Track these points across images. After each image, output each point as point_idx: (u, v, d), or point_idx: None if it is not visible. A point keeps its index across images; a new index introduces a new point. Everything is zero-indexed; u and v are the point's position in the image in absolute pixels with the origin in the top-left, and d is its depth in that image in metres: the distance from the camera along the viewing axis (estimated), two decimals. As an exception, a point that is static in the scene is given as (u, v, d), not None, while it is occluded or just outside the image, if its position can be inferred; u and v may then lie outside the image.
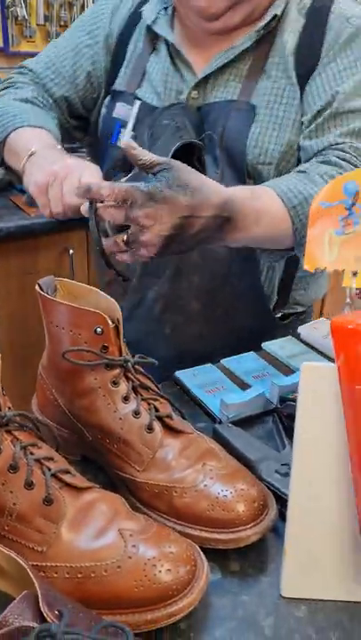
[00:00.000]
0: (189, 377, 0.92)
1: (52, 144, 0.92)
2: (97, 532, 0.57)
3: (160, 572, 0.54)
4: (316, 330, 1.03)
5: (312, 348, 1.02)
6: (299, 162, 0.97)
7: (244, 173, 0.97)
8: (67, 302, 0.69)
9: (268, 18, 0.95)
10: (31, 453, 0.59)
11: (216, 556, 0.62)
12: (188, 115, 0.96)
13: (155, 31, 1.01)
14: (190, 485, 0.64)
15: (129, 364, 0.69)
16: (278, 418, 0.83)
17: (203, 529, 0.62)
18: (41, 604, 0.44)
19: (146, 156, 0.74)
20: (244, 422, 0.82)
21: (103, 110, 1.06)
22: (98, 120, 1.09)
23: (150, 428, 0.67)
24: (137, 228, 0.74)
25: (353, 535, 0.57)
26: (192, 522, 0.63)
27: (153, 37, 1.03)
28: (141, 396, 0.69)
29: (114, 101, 1.03)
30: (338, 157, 0.90)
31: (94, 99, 1.09)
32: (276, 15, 0.95)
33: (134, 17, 1.05)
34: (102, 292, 0.71)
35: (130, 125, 0.98)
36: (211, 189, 0.75)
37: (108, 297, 0.70)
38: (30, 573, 0.47)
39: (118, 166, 0.95)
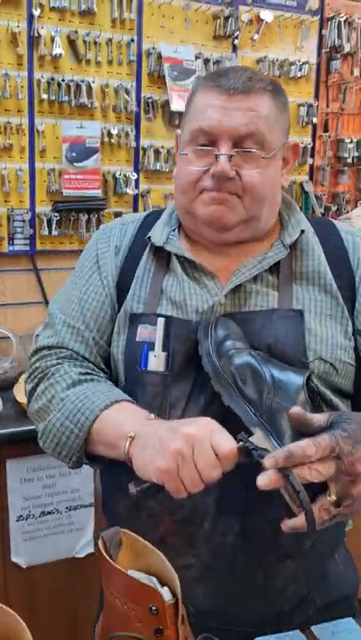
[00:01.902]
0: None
1: (142, 416, 0.87)
2: None
3: None
4: None
5: None
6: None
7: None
8: (126, 566, 0.64)
9: (297, 233, 0.99)
10: None
11: None
12: (232, 324, 0.94)
13: (167, 251, 1.00)
14: None
15: (185, 654, 0.60)
16: None
17: None
18: None
19: (320, 418, 0.76)
20: None
21: (121, 339, 1.00)
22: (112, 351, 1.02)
23: None
24: (344, 481, 0.72)
25: None
26: None
27: (164, 258, 1.01)
28: None
29: (134, 325, 0.98)
30: None
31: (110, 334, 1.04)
32: (303, 230, 0.99)
33: (139, 243, 1.04)
34: (163, 557, 0.65)
35: (158, 344, 0.94)
36: None
37: (170, 566, 0.64)
38: None
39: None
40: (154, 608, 0.61)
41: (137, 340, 0.96)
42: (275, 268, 0.98)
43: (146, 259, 1.03)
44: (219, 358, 0.87)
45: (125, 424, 0.86)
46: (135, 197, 2.24)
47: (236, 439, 0.78)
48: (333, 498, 0.71)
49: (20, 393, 1.79)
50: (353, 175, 2.56)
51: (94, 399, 0.91)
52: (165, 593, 0.62)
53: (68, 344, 1.01)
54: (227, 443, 0.77)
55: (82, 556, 1.81)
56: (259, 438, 0.79)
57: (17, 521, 1.72)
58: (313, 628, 0.84)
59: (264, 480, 0.73)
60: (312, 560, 0.96)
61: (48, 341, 1.03)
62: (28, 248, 2.12)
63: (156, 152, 2.22)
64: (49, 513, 1.75)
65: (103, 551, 0.66)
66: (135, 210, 2.26)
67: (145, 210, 2.24)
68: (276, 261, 0.98)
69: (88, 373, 0.98)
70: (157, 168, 2.22)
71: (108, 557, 0.65)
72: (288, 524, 0.76)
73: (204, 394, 0.91)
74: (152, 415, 0.87)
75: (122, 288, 1.02)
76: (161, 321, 0.94)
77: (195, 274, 0.99)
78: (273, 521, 0.89)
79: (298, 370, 0.88)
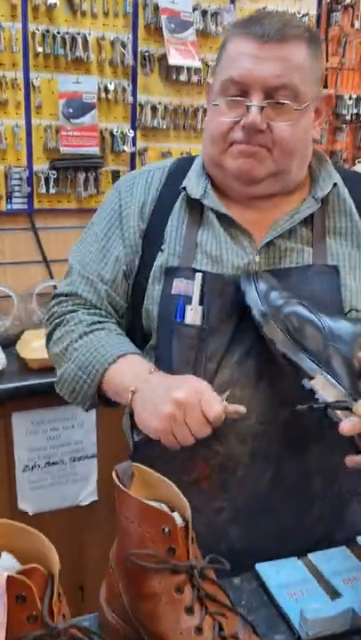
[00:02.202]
0: (271, 574, 0.85)
1: (145, 370, 0.92)
2: None
3: None
4: None
5: None
6: None
7: None
8: (139, 495, 0.68)
9: (329, 187, 0.99)
10: (78, 672, 0.56)
11: None
12: (271, 278, 0.95)
13: (200, 203, 1.00)
14: None
15: (195, 570, 0.65)
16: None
17: None
18: None
19: None
20: (328, 641, 0.73)
21: (155, 289, 1.01)
22: (137, 301, 1.04)
23: (212, 650, 0.61)
24: None
25: None
26: None
27: (197, 210, 1.01)
28: (207, 608, 0.64)
29: (170, 278, 0.99)
30: None
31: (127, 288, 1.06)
32: (335, 184, 0.99)
33: (168, 193, 1.03)
34: (175, 488, 0.70)
35: (195, 298, 0.95)
36: None
37: (181, 494, 0.69)
38: None
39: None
40: (166, 530, 0.65)
41: (172, 292, 0.98)
42: (308, 223, 0.99)
43: (178, 209, 1.02)
44: (268, 307, 0.89)
45: (128, 378, 0.91)
46: (132, 155, 2.23)
47: (301, 387, 0.85)
48: None
49: (23, 349, 1.82)
50: (351, 133, 2.55)
51: (104, 352, 0.95)
52: (176, 517, 0.67)
53: (82, 293, 1.05)
54: (215, 406, 0.83)
55: (85, 504, 1.88)
56: (321, 383, 0.83)
57: (23, 471, 1.77)
58: (309, 555, 0.89)
59: (349, 426, 0.79)
60: (337, 502, 1.01)
61: (65, 289, 1.08)
62: (25, 206, 2.12)
63: (153, 108, 2.20)
64: (54, 463, 1.81)
65: (117, 482, 0.71)
66: (133, 169, 2.25)
67: (142, 168, 2.24)
68: (308, 215, 0.98)
69: (100, 322, 1.02)
70: (155, 125, 2.21)
71: (122, 486, 0.70)
72: (354, 460, 0.82)
73: (240, 348, 0.94)
74: (153, 369, 0.91)
75: (151, 241, 1.02)
76: (199, 276, 0.95)
77: (230, 229, 0.99)
78: (304, 468, 0.96)
79: (349, 318, 0.92)
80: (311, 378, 0.84)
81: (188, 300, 0.96)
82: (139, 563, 0.65)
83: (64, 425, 1.80)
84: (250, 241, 0.98)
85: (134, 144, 2.21)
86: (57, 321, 1.06)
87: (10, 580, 0.55)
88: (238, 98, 0.92)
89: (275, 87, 0.90)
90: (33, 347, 1.79)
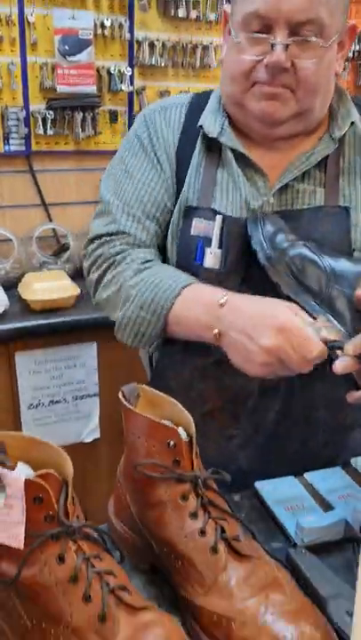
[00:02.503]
0: (269, 490, 0.90)
1: (215, 303, 0.88)
2: (148, 658, 0.56)
3: None
4: None
5: None
6: None
7: None
8: (144, 413, 0.72)
9: (346, 125, 0.97)
10: (92, 566, 0.60)
11: None
12: (278, 219, 0.96)
13: (220, 143, 0.98)
14: (250, 618, 0.62)
15: (199, 480, 0.69)
16: (360, 547, 0.78)
17: (259, 669, 0.59)
18: None
19: None
20: (322, 548, 0.78)
21: (177, 230, 1.01)
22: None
23: (215, 550, 0.66)
24: None
25: None
26: (249, 659, 0.60)
27: (216, 149, 1.00)
28: (210, 514, 0.69)
29: (189, 218, 0.98)
30: None
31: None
32: (353, 122, 0.98)
33: (190, 130, 1.02)
34: (180, 406, 0.73)
35: (215, 241, 0.95)
36: None
37: (186, 411, 0.72)
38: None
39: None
40: (172, 443, 0.69)
41: (191, 233, 0.97)
42: (322, 164, 0.98)
43: (199, 148, 1.00)
44: (273, 250, 0.90)
45: (200, 311, 0.89)
46: (130, 95, 2.20)
47: None
48: None
49: (25, 291, 1.85)
50: (353, 71, 2.50)
51: (165, 287, 0.93)
52: (181, 431, 0.71)
53: (130, 231, 1.01)
54: (312, 346, 0.79)
55: (88, 441, 1.94)
56: (323, 324, 0.84)
57: (28, 409, 1.83)
58: (305, 474, 0.94)
59: (342, 366, 0.80)
60: (341, 430, 1.07)
61: (107, 229, 1.03)
62: (23, 148, 2.10)
63: (151, 45, 2.16)
64: (57, 402, 1.86)
65: (123, 400, 0.74)
66: (130, 108, 2.22)
67: (140, 109, 2.21)
68: (324, 157, 0.97)
69: (151, 260, 1.00)
70: (153, 63, 2.17)
71: (128, 404, 0.73)
72: (354, 396, 0.85)
73: (252, 290, 0.94)
74: (222, 298, 0.87)
75: (178, 178, 1.01)
76: (219, 218, 0.95)
77: (246, 169, 0.98)
78: (310, 401, 1.01)
79: (352, 258, 0.92)
80: (314, 319, 0.86)
81: (208, 242, 0.96)
82: (147, 473, 0.69)
83: (66, 364, 1.84)
84: (265, 182, 0.98)
85: (132, 83, 2.17)
86: (106, 264, 1.02)
87: (27, 483, 0.59)
88: (262, 35, 0.88)
89: (300, 22, 0.86)
90: (34, 288, 1.81)
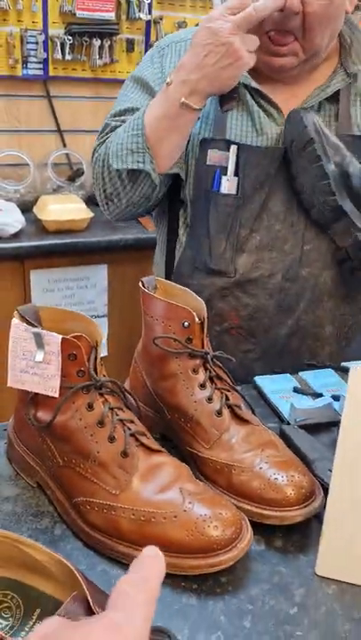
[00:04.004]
0: (267, 382, 1.00)
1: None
2: (161, 487, 0.67)
3: (209, 527, 0.63)
4: None
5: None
6: None
7: None
8: (162, 298, 0.81)
9: (356, 66, 1.03)
10: (116, 414, 0.71)
11: (264, 531, 0.70)
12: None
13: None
14: (248, 466, 0.73)
15: (208, 356, 0.79)
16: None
17: (254, 504, 0.71)
18: (92, 604, 0.45)
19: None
20: (312, 428, 0.89)
21: (191, 160, 1.06)
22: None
23: (220, 413, 0.77)
24: None
25: (386, 528, 0.63)
26: (246, 497, 0.71)
27: None
28: (216, 385, 0.79)
29: (204, 149, 1.03)
30: None
31: None
32: None
33: None
34: (194, 294, 0.83)
35: (231, 169, 1.02)
36: None
37: (199, 298, 0.81)
38: (78, 575, 0.48)
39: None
40: (186, 324, 0.79)
41: (207, 163, 1.03)
42: (335, 95, 1.04)
43: None
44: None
45: (161, 98, 0.97)
46: (148, 24, 2.21)
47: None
48: None
49: (40, 212, 1.92)
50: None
51: (138, 114, 1.00)
52: (195, 315, 0.80)
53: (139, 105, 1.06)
54: None
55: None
56: None
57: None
58: (300, 372, 1.05)
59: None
60: (344, 343, 1.18)
61: (101, 134, 1.09)
62: (41, 73, 2.13)
63: (172, -27, 2.15)
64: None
65: (143, 288, 0.84)
66: (147, 38, 2.24)
67: (157, 38, 2.22)
68: (337, 90, 1.03)
69: None
70: (172, -8, 2.17)
71: (147, 290, 0.83)
72: None
73: (269, 215, 1.03)
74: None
75: None
76: (234, 148, 1.01)
77: (261, 102, 1.04)
78: (319, 318, 1.11)
79: None
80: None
81: (224, 170, 1.02)
82: (163, 347, 0.79)
83: (78, 285, 1.93)
84: (279, 113, 1.04)
85: (150, 12, 2.18)
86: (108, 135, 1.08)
87: (64, 341, 0.69)
88: None
89: None
90: (50, 209, 1.88)
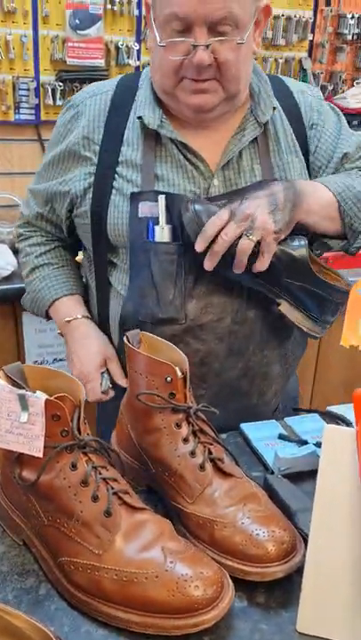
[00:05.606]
0: (252, 430, 1.02)
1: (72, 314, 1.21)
2: (144, 545, 0.68)
3: (190, 587, 0.64)
4: None
5: None
6: None
7: None
8: (146, 353, 0.83)
9: (270, 111, 1.07)
10: (100, 473, 0.72)
11: (246, 587, 0.71)
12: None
13: (159, 134, 1.05)
14: (230, 521, 0.74)
15: (191, 410, 0.81)
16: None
17: (236, 560, 0.72)
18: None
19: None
20: (296, 477, 0.90)
21: (124, 213, 1.07)
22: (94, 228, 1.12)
23: (203, 467, 0.78)
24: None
25: (364, 585, 0.64)
26: (228, 553, 0.73)
27: (152, 136, 1.06)
28: (199, 439, 0.81)
29: (135, 203, 1.05)
30: None
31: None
32: (274, 107, 1.08)
33: (116, 118, 1.08)
34: (177, 348, 0.85)
35: (163, 219, 1.03)
36: None
37: (181, 352, 0.84)
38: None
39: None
40: (169, 379, 0.81)
41: (140, 216, 1.05)
42: (253, 142, 1.08)
43: (132, 136, 1.07)
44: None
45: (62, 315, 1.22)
46: (137, 69, 2.27)
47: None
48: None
49: (31, 254, 1.95)
50: (351, 53, 2.57)
51: (45, 294, 1.23)
52: (177, 370, 0.82)
53: (36, 224, 1.25)
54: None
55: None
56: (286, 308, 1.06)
57: (34, 364, 1.95)
58: (285, 419, 1.06)
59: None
60: (285, 380, 1.21)
61: (26, 215, 1.27)
62: (33, 117, 2.18)
63: (159, 21, 2.22)
64: (61, 360, 1.98)
65: (128, 343, 0.86)
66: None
67: (146, 82, 2.28)
68: (253, 138, 1.07)
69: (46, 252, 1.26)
70: (159, 39, 2.24)
71: (132, 346, 0.85)
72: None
73: None
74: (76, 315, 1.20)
75: (107, 165, 1.08)
76: (162, 197, 1.02)
77: (187, 155, 1.06)
78: (266, 358, 1.14)
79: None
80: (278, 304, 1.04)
81: (156, 220, 1.04)
82: (146, 403, 0.81)
83: (70, 325, 1.95)
84: (205, 165, 1.07)
85: (139, 58, 2.25)
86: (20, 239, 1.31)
87: (47, 402, 0.71)
88: (183, 38, 0.95)
89: (216, 20, 0.94)
90: (42, 252, 1.91)
